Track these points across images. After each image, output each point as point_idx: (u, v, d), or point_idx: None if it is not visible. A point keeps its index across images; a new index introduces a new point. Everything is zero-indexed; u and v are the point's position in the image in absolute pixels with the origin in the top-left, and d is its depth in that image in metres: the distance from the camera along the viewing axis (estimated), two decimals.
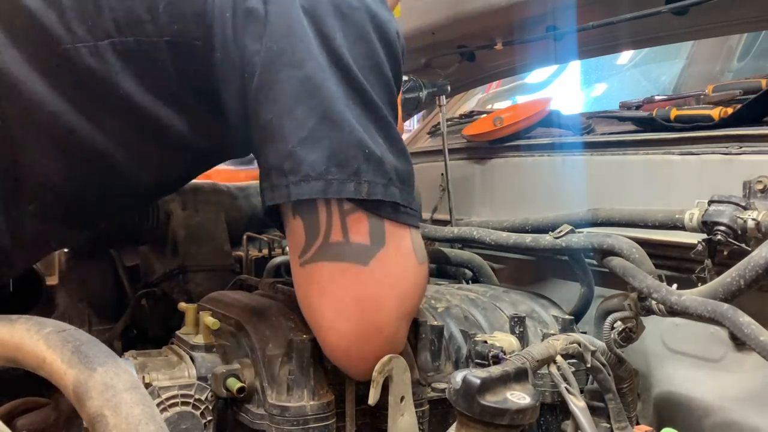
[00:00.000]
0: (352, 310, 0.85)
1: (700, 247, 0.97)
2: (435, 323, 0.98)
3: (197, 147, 0.94)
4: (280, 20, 0.82)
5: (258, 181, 0.88)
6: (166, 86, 0.86)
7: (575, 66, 2.42)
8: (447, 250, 1.43)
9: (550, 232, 1.15)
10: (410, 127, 3.74)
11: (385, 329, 0.87)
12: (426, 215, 1.67)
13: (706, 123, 1.24)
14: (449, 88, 1.59)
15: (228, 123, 0.89)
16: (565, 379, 0.87)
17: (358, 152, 0.82)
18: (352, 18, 0.83)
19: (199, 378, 0.88)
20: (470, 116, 1.93)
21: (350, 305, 0.85)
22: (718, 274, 0.93)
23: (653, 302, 0.97)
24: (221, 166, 1.19)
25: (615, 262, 1.05)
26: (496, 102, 2.45)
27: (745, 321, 0.83)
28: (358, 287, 0.84)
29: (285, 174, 0.82)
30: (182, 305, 0.99)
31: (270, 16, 0.82)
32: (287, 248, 1.39)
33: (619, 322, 1.00)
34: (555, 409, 1.00)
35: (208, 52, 0.84)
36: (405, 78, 1.56)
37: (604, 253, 1.07)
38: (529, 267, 1.46)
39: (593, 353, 0.92)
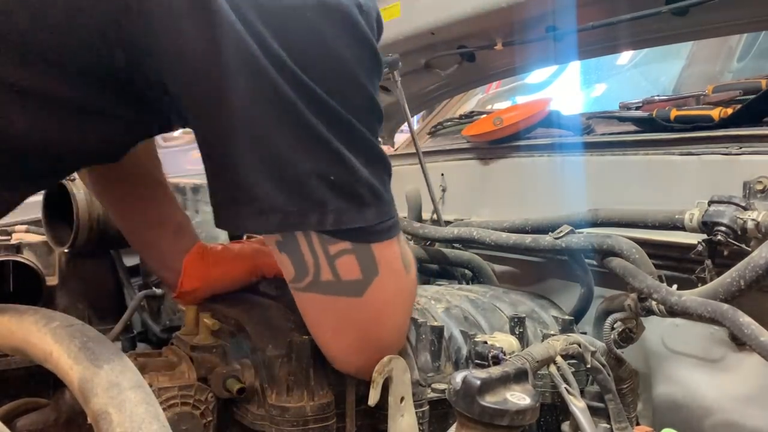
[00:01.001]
0: (350, 331, 0.85)
1: (700, 248, 0.97)
2: (435, 324, 0.97)
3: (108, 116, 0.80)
4: (200, 19, 0.69)
5: None
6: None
7: (575, 66, 2.42)
8: (447, 250, 1.43)
9: (550, 233, 1.15)
10: None
11: (384, 340, 0.88)
12: (426, 215, 1.67)
13: (706, 123, 1.24)
14: (400, 62, 1.48)
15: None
16: (565, 380, 0.87)
17: (321, 181, 0.73)
18: (294, 6, 0.71)
19: (199, 379, 0.88)
20: (470, 116, 1.93)
21: (348, 327, 0.85)
22: (719, 274, 0.93)
23: (653, 303, 0.97)
24: None
25: (615, 262, 1.05)
26: (496, 102, 2.46)
27: (745, 321, 0.84)
28: (354, 314, 0.83)
29: (236, 203, 0.75)
30: (182, 306, 0.99)
31: (188, 15, 0.69)
32: None
33: (619, 323, 1.00)
34: (555, 409, 1.00)
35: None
36: None
37: (604, 253, 1.07)
38: (529, 267, 1.46)
39: (593, 354, 0.92)
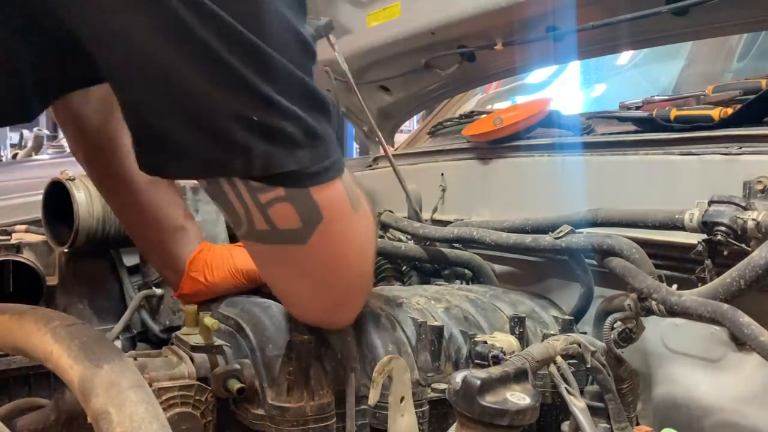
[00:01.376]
0: (301, 279, 0.81)
1: (700, 248, 0.97)
2: (435, 323, 0.97)
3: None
4: None
5: None
6: None
7: (575, 66, 2.41)
8: (447, 250, 1.43)
9: (550, 233, 1.15)
10: (410, 127, 3.74)
11: (341, 286, 0.84)
12: (426, 215, 1.67)
13: (706, 123, 1.24)
14: (333, 24, 1.39)
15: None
16: (565, 380, 0.87)
17: (243, 123, 0.66)
18: None
19: (199, 379, 0.88)
20: (470, 116, 1.93)
21: (297, 275, 0.80)
22: (719, 274, 0.93)
23: (653, 303, 0.97)
24: None
25: (615, 262, 1.05)
26: (496, 102, 2.45)
27: (746, 321, 0.84)
28: (301, 262, 0.78)
29: (155, 147, 0.70)
30: (182, 305, 0.99)
31: None
32: None
33: (618, 323, 1.00)
34: (555, 409, 1.00)
35: None
36: None
37: (604, 253, 1.07)
38: (529, 267, 1.46)
39: (593, 354, 0.92)
